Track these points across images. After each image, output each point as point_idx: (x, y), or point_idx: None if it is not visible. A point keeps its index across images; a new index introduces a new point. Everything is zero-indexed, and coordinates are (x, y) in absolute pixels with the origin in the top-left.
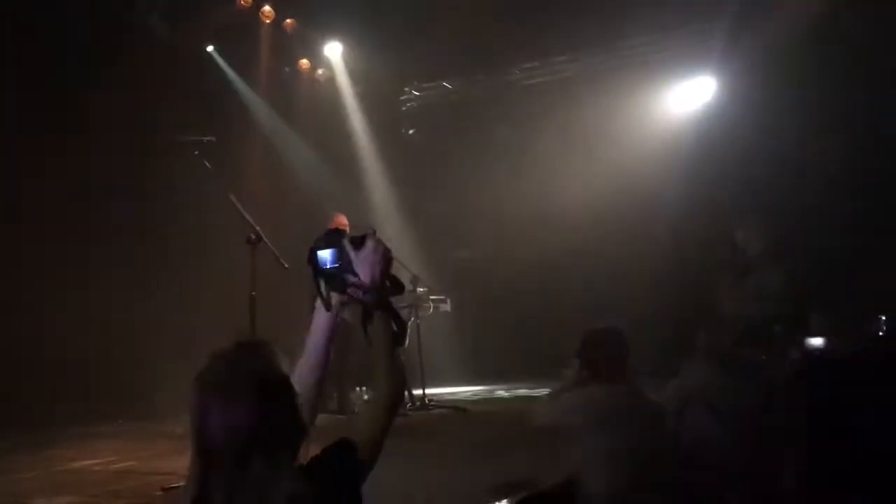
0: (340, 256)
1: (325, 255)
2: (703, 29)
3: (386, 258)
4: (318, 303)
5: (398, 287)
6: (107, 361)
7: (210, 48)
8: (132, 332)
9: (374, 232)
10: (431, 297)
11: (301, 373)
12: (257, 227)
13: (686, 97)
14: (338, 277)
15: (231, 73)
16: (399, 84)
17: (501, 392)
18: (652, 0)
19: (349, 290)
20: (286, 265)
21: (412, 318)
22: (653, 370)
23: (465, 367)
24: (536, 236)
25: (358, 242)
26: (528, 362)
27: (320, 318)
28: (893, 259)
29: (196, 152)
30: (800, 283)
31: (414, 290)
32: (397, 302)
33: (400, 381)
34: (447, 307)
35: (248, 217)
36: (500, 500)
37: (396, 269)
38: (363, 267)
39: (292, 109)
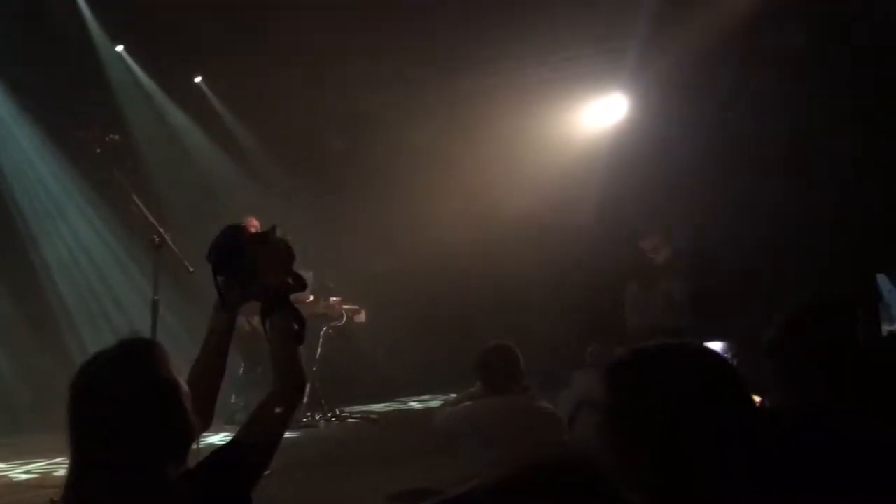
0: (241, 253)
1: (225, 251)
2: (614, 47)
3: (288, 254)
4: (217, 303)
5: (300, 284)
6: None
7: (120, 48)
8: (31, 340)
9: (276, 228)
10: (345, 306)
11: (195, 375)
12: (161, 230)
13: (599, 114)
14: (238, 274)
15: (140, 74)
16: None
17: (414, 403)
18: (562, 16)
19: (249, 287)
20: (191, 269)
21: (325, 328)
22: (560, 380)
23: (379, 378)
24: (450, 247)
25: (260, 239)
26: (443, 373)
27: (218, 319)
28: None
29: (98, 150)
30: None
31: (326, 300)
32: (310, 310)
33: (299, 379)
34: (361, 318)
35: (151, 219)
36: None
37: (306, 276)
38: (265, 263)
39: (202, 112)
